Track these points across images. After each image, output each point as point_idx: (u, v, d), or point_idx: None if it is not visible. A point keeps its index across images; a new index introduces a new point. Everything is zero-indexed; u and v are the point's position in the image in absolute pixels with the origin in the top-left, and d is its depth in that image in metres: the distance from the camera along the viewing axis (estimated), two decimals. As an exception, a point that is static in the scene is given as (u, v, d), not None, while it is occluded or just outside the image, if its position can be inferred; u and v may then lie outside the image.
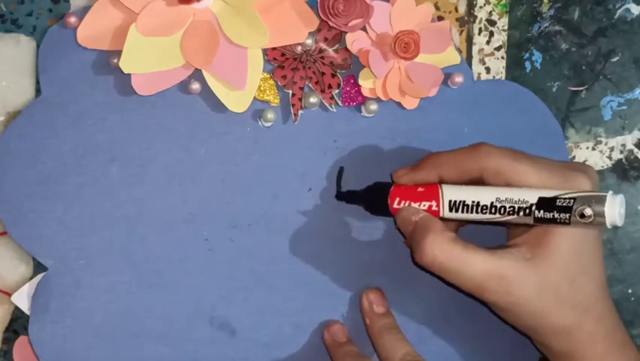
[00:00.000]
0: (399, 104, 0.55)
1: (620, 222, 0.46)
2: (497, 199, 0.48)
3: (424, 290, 0.56)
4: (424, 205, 0.50)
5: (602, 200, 0.45)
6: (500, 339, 0.57)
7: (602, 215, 0.45)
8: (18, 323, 0.54)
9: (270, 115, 0.53)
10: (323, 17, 0.52)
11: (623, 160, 0.59)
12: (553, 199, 0.47)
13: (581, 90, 0.59)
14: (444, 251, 0.48)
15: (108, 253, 0.53)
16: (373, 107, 0.54)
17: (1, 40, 0.52)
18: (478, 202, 0.48)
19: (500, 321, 0.53)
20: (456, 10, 0.57)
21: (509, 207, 0.47)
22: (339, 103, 0.54)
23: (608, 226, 0.46)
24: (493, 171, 0.49)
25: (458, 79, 0.55)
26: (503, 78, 0.58)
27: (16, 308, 0.53)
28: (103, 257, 0.53)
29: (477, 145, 0.50)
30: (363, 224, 0.55)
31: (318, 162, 0.55)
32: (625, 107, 0.59)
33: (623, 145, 0.59)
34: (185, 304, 0.54)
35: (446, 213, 0.50)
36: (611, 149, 0.59)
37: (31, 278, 0.53)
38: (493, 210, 0.48)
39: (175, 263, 0.53)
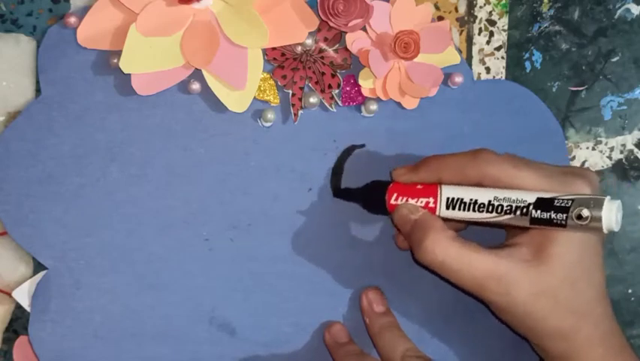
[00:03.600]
0: (399, 104, 0.55)
1: (616, 228, 0.46)
2: (495, 198, 0.48)
3: (424, 290, 0.56)
4: (422, 202, 0.50)
5: (600, 203, 0.45)
6: (500, 340, 0.57)
7: (598, 219, 0.45)
8: (18, 323, 0.54)
9: (270, 115, 0.53)
10: (323, 17, 0.52)
11: (623, 160, 0.59)
12: (552, 200, 0.47)
13: (581, 90, 0.59)
14: (445, 250, 0.48)
15: (108, 253, 0.53)
16: (373, 107, 0.54)
17: (1, 40, 0.52)
18: (476, 200, 0.48)
19: (500, 322, 0.53)
20: (456, 10, 0.57)
21: (507, 206, 0.48)
22: (339, 103, 0.54)
23: (605, 230, 0.46)
24: (492, 178, 0.49)
25: (458, 79, 0.55)
26: (503, 78, 0.58)
27: (17, 308, 0.53)
28: (103, 257, 0.53)
29: (477, 151, 0.50)
30: (363, 224, 0.55)
31: (318, 162, 0.55)
32: (625, 107, 0.59)
33: (623, 145, 0.59)
34: (185, 304, 0.54)
35: (443, 210, 0.50)
36: (611, 149, 0.59)
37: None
38: (490, 209, 0.48)
39: (175, 263, 0.53)
